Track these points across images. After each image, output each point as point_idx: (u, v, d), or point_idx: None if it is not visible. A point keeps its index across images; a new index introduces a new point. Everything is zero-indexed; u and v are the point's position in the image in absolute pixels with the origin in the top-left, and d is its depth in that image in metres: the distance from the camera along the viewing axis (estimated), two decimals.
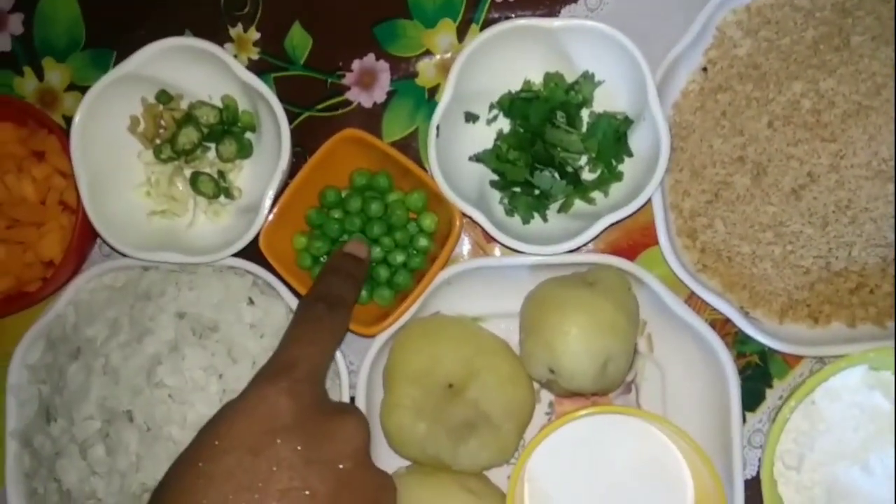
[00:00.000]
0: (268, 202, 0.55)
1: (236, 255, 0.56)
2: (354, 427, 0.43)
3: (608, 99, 0.56)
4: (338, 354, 0.55)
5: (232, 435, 0.40)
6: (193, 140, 0.58)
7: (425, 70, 0.60)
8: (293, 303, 0.56)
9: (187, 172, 0.59)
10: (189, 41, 0.57)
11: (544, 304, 0.52)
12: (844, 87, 0.49)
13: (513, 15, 0.59)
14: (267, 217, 0.55)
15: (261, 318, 0.56)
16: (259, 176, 0.59)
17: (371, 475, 0.43)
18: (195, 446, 0.41)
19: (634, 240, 0.58)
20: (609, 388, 0.53)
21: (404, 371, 0.53)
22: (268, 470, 0.39)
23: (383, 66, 0.60)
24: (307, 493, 0.40)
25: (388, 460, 0.55)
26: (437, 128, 0.54)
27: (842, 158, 0.49)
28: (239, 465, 0.39)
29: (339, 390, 0.55)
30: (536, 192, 0.56)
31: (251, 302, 0.56)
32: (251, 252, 0.56)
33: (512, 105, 0.56)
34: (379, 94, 0.60)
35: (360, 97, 0.60)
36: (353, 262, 0.53)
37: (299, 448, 0.40)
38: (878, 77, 0.48)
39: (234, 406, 0.42)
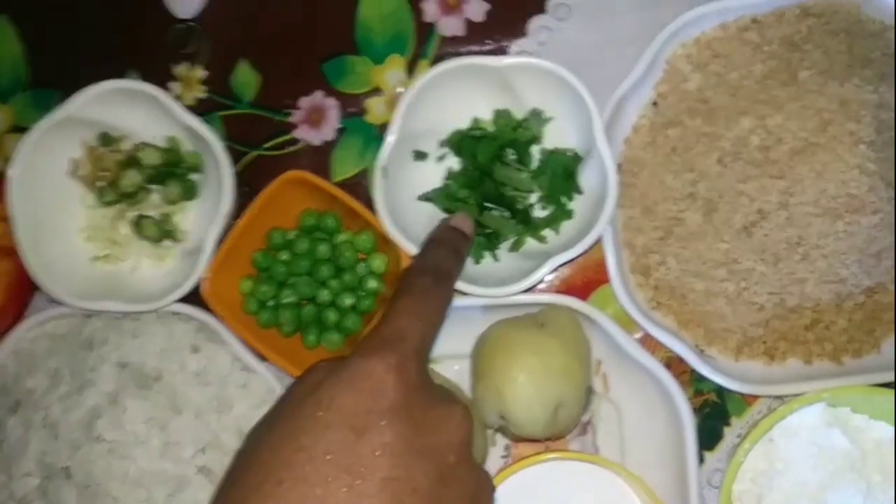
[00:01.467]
0: (210, 246, 0.53)
1: (182, 300, 0.55)
2: (461, 418, 0.38)
3: (559, 135, 0.55)
4: None
5: (335, 408, 0.36)
6: (137, 182, 0.57)
7: (375, 107, 0.59)
8: (239, 349, 0.54)
9: (131, 216, 0.57)
10: (129, 84, 0.55)
11: (493, 348, 0.50)
12: (792, 124, 0.48)
13: (463, 51, 0.58)
14: (210, 261, 0.54)
15: (205, 365, 0.55)
16: (206, 218, 0.57)
17: (473, 472, 0.39)
18: (293, 413, 0.37)
19: (589, 277, 0.57)
20: (562, 432, 0.51)
21: None
22: (370, 454, 0.35)
23: (332, 103, 0.59)
24: (410, 485, 0.35)
25: None
26: (384, 169, 0.53)
27: (790, 196, 0.48)
28: (342, 444, 0.35)
29: None
30: (487, 231, 0.55)
31: (196, 349, 0.55)
32: (198, 297, 0.54)
33: (461, 143, 0.55)
34: (328, 132, 0.59)
35: (309, 135, 0.59)
36: (459, 236, 0.49)
37: (405, 434, 0.36)
38: (824, 113, 0.47)
39: (338, 375, 0.37)
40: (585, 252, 0.51)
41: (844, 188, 0.47)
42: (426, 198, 0.55)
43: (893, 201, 0.47)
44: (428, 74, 0.53)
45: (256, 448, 0.36)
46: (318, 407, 0.36)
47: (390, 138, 0.53)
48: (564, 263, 0.52)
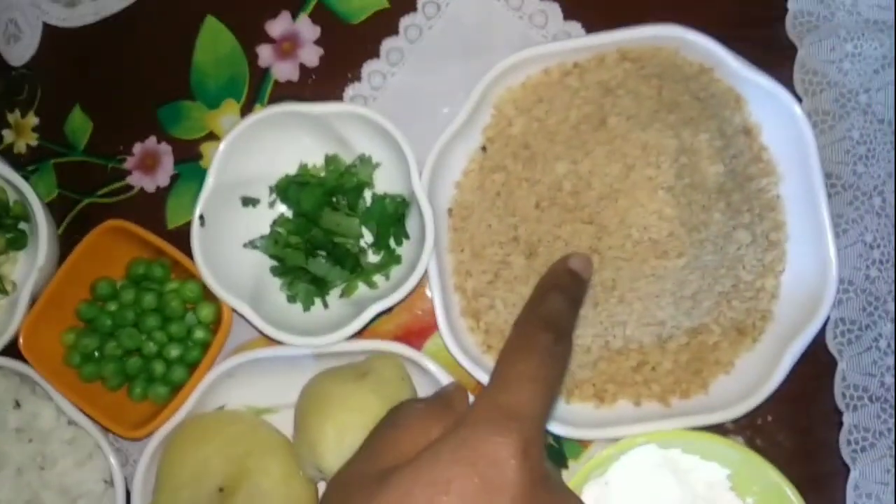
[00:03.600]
0: (25, 298, 0.52)
1: (7, 353, 0.53)
2: None
3: (388, 181, 0.55)
4: (111, 454, 0.52)
5: (455, 493, 0.31)
6: None
7: (210, 152, 0.58)
8: (64, 404, 0.53)
9: None
10: None
11: (308, 403, 0.50)
12: (599, 169, 0.48)
13: (296, 96, 0.57)
14: (27, 313, 0.52)
15: (28, 421, 0.53)
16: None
17: None
18: (404, 486, 0.32)
19: (426, 322, 0.56)
20: None
21: (172, 474, 0.50)
22: None
23: (166, 148, 0.58)
24: None
25: None
26: (202, 217, 0.52)
27: (599, 240, 0.48)
28: None
29: (112, 495, 0.53)
30: (318, 279, 0.54)
31: (17, 405, 0.53)
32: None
33: (286, 190, 0.54)
34: (162, 178, 0.58)
35: (143, 181, 0.58)
36: (578, 282, 0.43)
37: None
38: (628, 158, 0.48)
39: (455, 452, 0.32)
40: (404, 299, 0.51)
41: (646, 233, 0.47)
42: (253, 245, 0.54)
43: (697, 245, 0.48)
44: (246, 122, 0.52)
45: None
46: (434, 488, 0.31)
47: (209, 184, 0.52)
48: (388, 310, 0.52)
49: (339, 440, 0.47)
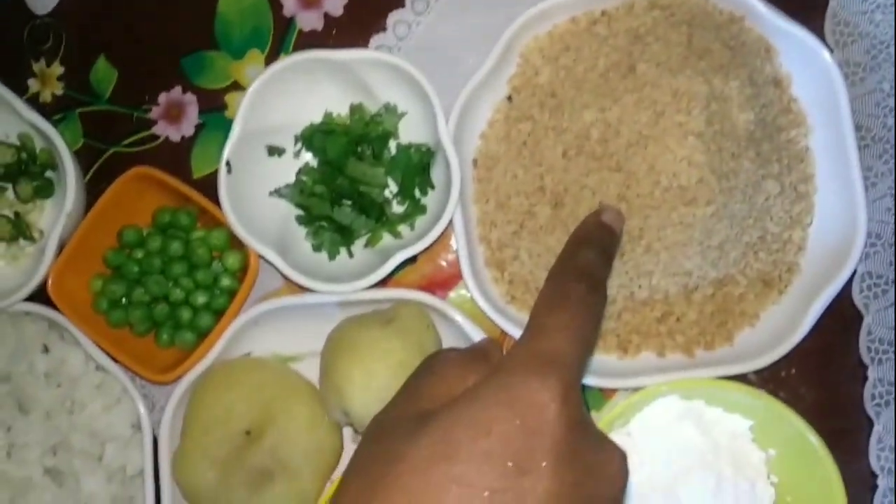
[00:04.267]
0: (53, 244, 0.52)
1: (36, 300, 0.54)
2: (620, 462, 0.34)
3: (414, 130, 0.54)
4: (139, 398, 0.53)
5: (496, 437, 0.31)
6: None
7: (234, 102, 0.58)
8: (92, 349, 0.53)
9: None
10: None
11: (335, 347, 0.50)
12: (628, 116, 0.48)
13: (321, 45, 0.57)
14: (56, 259, 0.53)
15: (56, 366, 0.54)
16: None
17: None
18: (442, 426, 0.31)
19: (450, 273, 0.56)
20: None
21: (199, 418, 0.51)
22: (533, 499, 0.30)
23: (191, 98, 0.58)
24: None
25: None
26: (228, 163, 0.52)
27: (627, 188, 0.48)
28: (504, 482, 0.30)
29: (140, 439, 0.53)
30: (342, 226, 0.54)
31: (46, 350, 0.54)
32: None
33: (311, 138, 0.54)
34: (187, 128, 0.58)
35: (168, 131, 0.58)
36: (609, 234, 0.43)
37: (568, 481, 0.31)
38: (657, 105, 0.47)
39: (494, 393, 0.32)
40: (429, 248, 0.51)
41: (676, 180, 0.47)
42: (279, 194, 0.54)
43: (726, 193, 0.47)
44: (272, 68, 0.52)
45: (393, 461, 0.31)
46: (475, 429, 0.31)
47: (235, 132, 0.52)
48: (413, 260, 0.52)
49: (366, 384, 0.48)
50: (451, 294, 0.56)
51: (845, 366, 0.54)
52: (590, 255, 0.40)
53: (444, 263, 0.56)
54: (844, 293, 0.52)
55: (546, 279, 0.40)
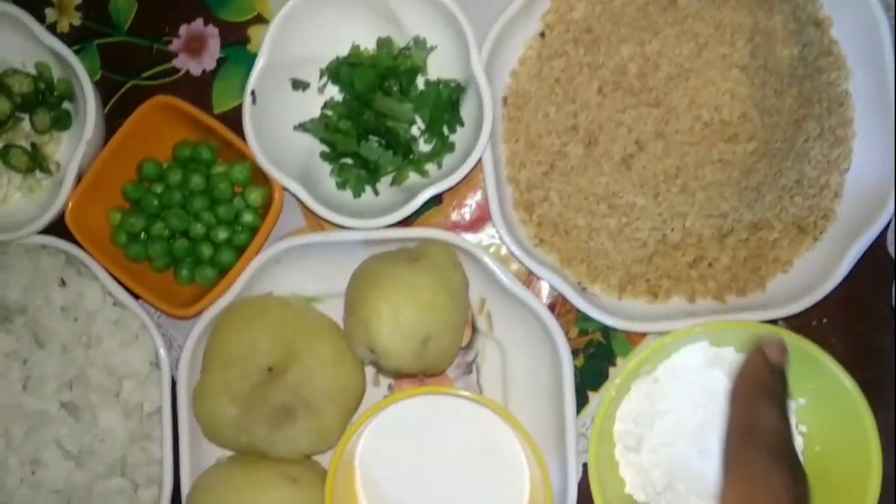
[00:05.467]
0: (72, 173, 0.51)
1: (53, 233, 0.53)
2: None
3: (443, 66, 0.53)
4: (157, 334, 0.52)
5: None
6: (5, 111, 0.54)
7: (257, 36, 0.56)
8: (110, 283, 0.52)
9: None
10: None
11: (362, 282, 0.49)
12: (669, 49, 0.47)
13: None
14: (74, 190, 0.51)
15: (74, 300, 0.53)
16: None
17: None
18: None
19: (476, 215, 0.55)
20: (436, 368, 0.50)
21: (220, 353, 0.50)
22: None
23: (213, 31, 0.56)
24: None
25: (213, 449, 0.52)
26: (253, 94, 0.51)
27: (666, 124, 0.47)
28: None
29: (158, 377, 0.52)
30: (369, 164, 0.53)
31: (63, 283, 0.53)
32: (69, 231, 0.52)
33: (338, 71, 0.52)
34: (208, 62, 0.56)
35: (188, 64, 0.56)
36: (784, 381, 0.42)
37: None
38: (700, 38, 0.46)
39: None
40: (458, 184, 0.50)
41: (717, 114, 0.45)
42: (304, 128, 0.53)
43: (768, 130, 0.46)
44: None
45: None
46: None
47: (260, 62, 0.51)
48: (439, 202, 0.51)
49: (394, 317, 0.46)
50: (479, 236, 0.55)
51: (877, 316, 0.53)
52: (773, 419, 0.37)
53: (470, 205, 0.55)
54: (878, 242, 0.51)
55: (726, 451, 0.36)
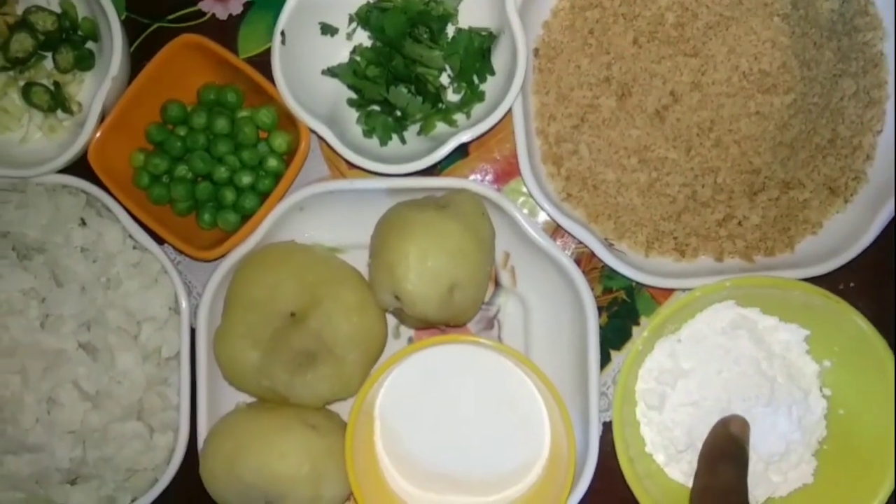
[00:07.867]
0: (96, 111, 0.50)
1: (75, 173, 0.52)
2: None
3: (475, 14, 0.52)
4: (177, 279, 0.51)
5: None
6: (28, 48, 0.53)
7: None
8: (131, 227, 0.51)
9: (21, 83, 0.54)
10: None
11: (390, 226, 0.48)
12: None
13: None
14: (97, 130, 0.51)
15: (94, 240, 0.52)
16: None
17: None
18: None
19: (502, 168, 0.54)
20: (460, 317, 0.50)
21: (242, 298, 0.49)
22: None
23: None
24: None
25: (230, 396, 0.51)
26: (283, 34, 0.50)
27: (703, 74, 0.46)
28: None
29: (177, 322, 0.52)
30: (397, 112, 0.52)
31: (83, 223, 0.52)
32: (91, 172, 0.51)
33: (368, 15, 0.52)
34: (235, 6, 0.56)
35: (215, 8, 0.56)
36: (743, 450, 0.47)
37: None
38: None
39: None
40: (488, 132, 0.49)
41: (757, 64, 0.45)
42: (331, 73, 0.52)
43: (806, 83, 0.45)
44: None
45: None
46: None
47: (290, 2, 0.50)
48: (466, 154, 0.50)
49: (421, 262, 0.46)
50: (505, 189, 0.54)
51: None
52: (731, 473, 0.44)
53: (497, 157, 0.54)
54: None
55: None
